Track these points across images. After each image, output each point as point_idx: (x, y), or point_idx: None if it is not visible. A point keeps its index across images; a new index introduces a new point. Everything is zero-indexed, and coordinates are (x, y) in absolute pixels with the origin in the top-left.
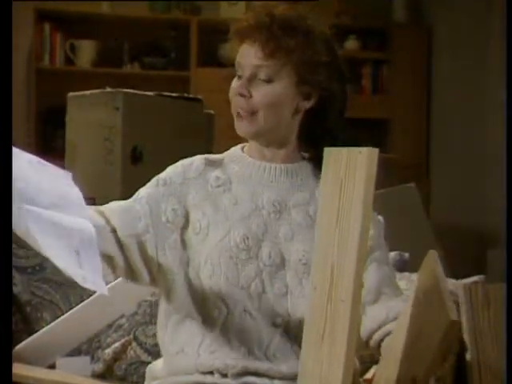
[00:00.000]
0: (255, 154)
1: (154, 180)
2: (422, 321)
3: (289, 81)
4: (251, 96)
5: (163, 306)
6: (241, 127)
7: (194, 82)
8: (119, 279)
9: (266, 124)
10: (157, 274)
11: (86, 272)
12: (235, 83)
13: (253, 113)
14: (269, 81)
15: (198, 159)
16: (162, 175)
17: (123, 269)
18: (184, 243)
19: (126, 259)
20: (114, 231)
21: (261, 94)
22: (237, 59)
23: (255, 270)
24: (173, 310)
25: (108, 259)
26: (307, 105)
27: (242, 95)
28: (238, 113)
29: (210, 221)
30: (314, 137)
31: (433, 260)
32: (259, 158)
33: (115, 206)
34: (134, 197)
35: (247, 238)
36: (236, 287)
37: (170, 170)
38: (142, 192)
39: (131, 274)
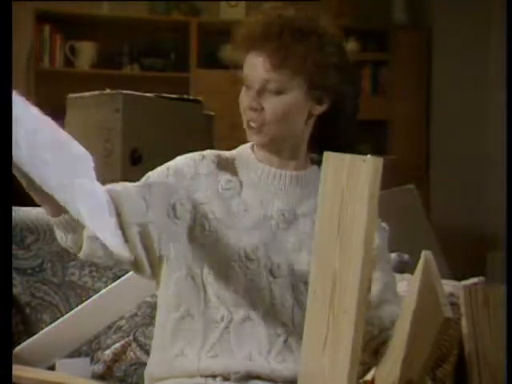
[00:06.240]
0: (265, 159)
1: (163, 168)
2: (418, 323)
3: (300, 89)
4: (262, 109)
5: (163, 305)
6: (253, 138)
7: (194, 83)
8: (118, 281)
9: (278, 134)
10: (158, 267)
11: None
12: (244, 95)
13: (265, 124)
14: (279, 92)
15: (210, 155)
16: (173, 164)
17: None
18: (190, 239)
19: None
20: (117, 215)
21: (272, 106)
22: (244, 70)
23: (263, 282)
24: (173, 307)
25: None
26: (320, 109)
27: (253, 109)
28: (250, 125)
29: (218, 224)
30: (326, 141)
31: (427, 261)
32: (269, 164)
33: (123, 189)
34: (144, 181)
35: (257, 249)
36: (241, 296)
37: (181, 161)
38: (152, 178)
39: (134, 263)
